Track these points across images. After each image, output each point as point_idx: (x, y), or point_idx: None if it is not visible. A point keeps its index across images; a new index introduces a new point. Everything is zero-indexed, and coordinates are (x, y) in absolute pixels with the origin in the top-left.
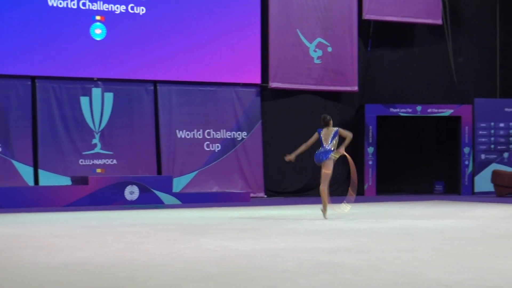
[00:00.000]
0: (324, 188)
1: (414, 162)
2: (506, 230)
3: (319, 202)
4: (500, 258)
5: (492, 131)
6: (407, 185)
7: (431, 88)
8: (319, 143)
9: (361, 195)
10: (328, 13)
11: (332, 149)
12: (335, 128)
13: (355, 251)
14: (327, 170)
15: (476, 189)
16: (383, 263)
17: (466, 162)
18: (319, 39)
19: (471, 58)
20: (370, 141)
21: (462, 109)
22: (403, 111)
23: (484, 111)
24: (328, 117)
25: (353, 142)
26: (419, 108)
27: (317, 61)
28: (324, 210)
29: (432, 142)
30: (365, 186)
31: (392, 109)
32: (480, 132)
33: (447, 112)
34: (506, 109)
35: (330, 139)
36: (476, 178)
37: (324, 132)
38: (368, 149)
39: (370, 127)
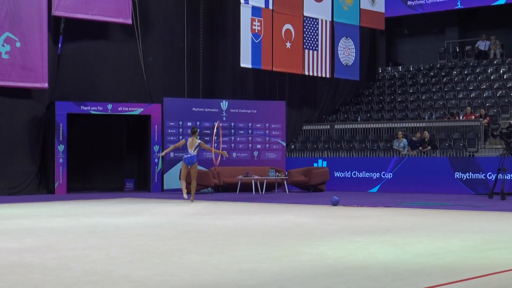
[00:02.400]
0: (194, 182)
1: (105, 160)
2: (193, 226)
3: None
4: (188, 253)
5: (181, 130)
6: (98, 183)
7: (122, 86)
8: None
9: (51, 194)
10: (16, 7)
11: (195, 154)
12: (199, 141)
13: (44, 251)
14: (195, 170)
15: (166, 186)
16: (73, 261)
17: (156, 160)
18: (7, 34)
19: (161, 58)
20: (61, 139)
21: (152, 108)
22: (94, 109)
23: (173, 110)
24: (196, 128)
25: (44, 140)
26: (110, 106)
27: (5, 56)
28: (188, 193)
29: (122, 140)
30: (56, 184)
31: (83, 107)
32: (169, 131)
33: (137, 110)
34: (194, 109)
35: (194, 148)
36: (166, 176)
37: (190, 140)
38: (59, 147)
39: (61, 124)
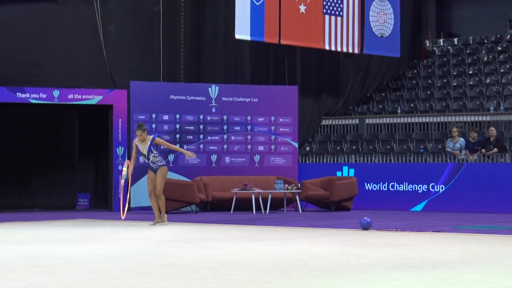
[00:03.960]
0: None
1: (50, 166)
2: (170, 258)
3: None
4: None
5: (154, 126)
6: (41, 199)
7: (74, 66)
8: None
9: None
10: None
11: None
12: (150, 137)
13: None
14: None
15: (133, 204)
16: None
17: (120, 167)
18: None
19: (127, 27)
20: None
21: (114, 96)
22: (35, 97)
23: (143, 98)
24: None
25: None
26: (56, 93)
27: None
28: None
29: (74, 140)
30: None
31: (20, 94)
32: None
33: (94, 99)
34: (172, 96)
35: (148, 149)
36: (133, 189)
37: (137, 141)
38: None
39: None
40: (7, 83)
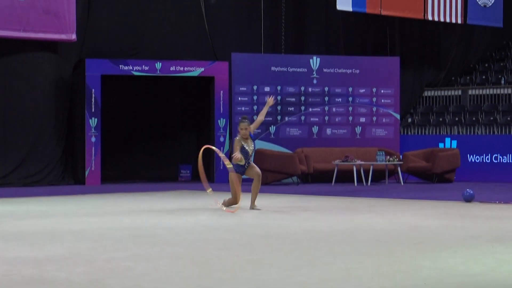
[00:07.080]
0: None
1: (152, 139)
2: (272, 229)
3: None
4: (265, 266)
5: (255, 97)
6: (144, 171)
7: (175, 39)
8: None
9: (80, 184)
10: None
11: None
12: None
13: (72, 262)
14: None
15: None
16: (111, 276)
17: (222, 139)
18: None
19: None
20: (93, 110)
21: (216, 67)
22: (137, 69)
23: (245, 70)
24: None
25: (70, 111)
26: (159, 65)
27: None
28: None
29: (176, 112)
30: (87, 172)
31: (122, 66)
32: (240, 99)
33: (196, 71)
34: (273, 68)
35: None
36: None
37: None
38: (91, 121)
39: (93, 90)
40: (110, 56)
